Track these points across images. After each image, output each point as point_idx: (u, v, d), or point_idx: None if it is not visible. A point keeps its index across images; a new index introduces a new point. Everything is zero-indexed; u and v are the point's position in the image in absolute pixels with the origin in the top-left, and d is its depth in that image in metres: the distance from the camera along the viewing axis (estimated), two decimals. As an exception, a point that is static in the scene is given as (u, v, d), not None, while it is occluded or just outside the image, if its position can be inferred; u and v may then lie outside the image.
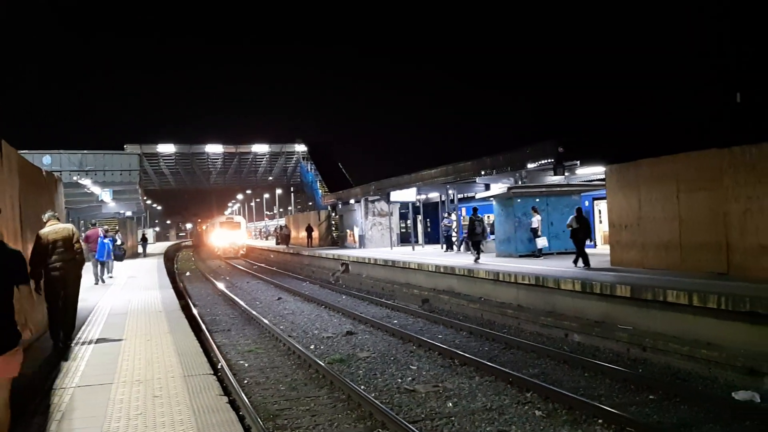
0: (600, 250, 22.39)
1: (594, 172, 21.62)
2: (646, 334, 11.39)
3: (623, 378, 9.79)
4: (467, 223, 29.01)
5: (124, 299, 16.10)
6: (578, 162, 19.96)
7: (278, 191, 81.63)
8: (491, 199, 23.51)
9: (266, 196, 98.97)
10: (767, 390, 8.84)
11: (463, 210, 32.84)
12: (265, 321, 16.47)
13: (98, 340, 10.32)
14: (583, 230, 16.63)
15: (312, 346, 13.47)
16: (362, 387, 9.78)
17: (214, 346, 13.38)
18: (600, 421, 7.89)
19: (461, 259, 22.44)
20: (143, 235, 48.38)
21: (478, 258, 20.26)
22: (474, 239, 20.65)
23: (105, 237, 21.17)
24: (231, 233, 55.53)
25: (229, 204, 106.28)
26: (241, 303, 20.80)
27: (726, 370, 9.59)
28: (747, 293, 10.21)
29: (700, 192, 13.77)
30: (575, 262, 16.66)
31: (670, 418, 8.04)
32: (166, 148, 69.47)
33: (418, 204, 33.06)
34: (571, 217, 17.07)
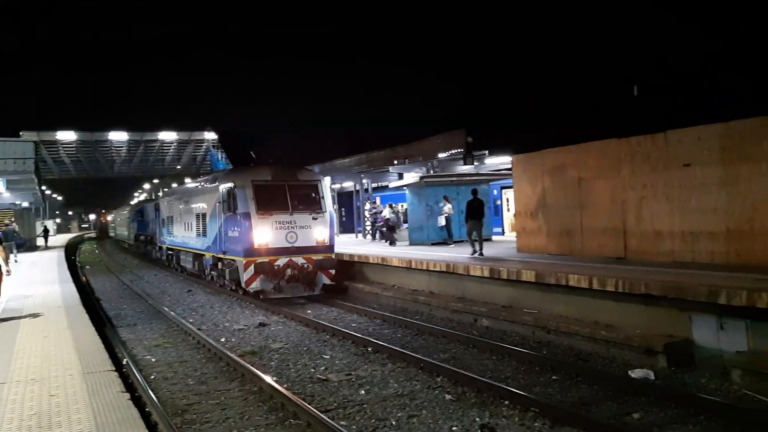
0: (508, 237, 23.10)
1: (502, 161, 22.24)
2: (550, 317, 11.85)
3: (529, 360, 10.15)
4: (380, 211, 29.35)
5: (20, 295, 15.21)
6: (487, 152, 20.49)
7: (187, 180, 79.27)
8: (404, 188, 23.75)
9: (174, 185, 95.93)
10: (661, 368, 9.40)
11: (378, 199, 33.03)
12: (174, 314, 16.00)
13: (-11, 339, 9.71)
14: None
15: (223, 339, 13.19)
16: (274, 378, 9.68)
17: (119, 342, 12.89)
18: (506, 402, 8.14)
19: (376, 247, 22.58)
20: (45, 227, 45.95)
21: None
22: None
23: None
24: (299, 221, 17.57)
25: (136, 194, 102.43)
26: (148, 296, 20.11)
27: (624, 350, 10.10)
28: (642, 276, 10.79)
29: (601, 180, 14.42)
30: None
31: (572, 397, 8.40)
32: (66, 135, 66.03)
33: (332, 193, 32.96)
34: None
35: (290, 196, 17.62)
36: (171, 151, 72.39)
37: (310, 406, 8.01)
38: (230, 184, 18.08)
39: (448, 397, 8.58)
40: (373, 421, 7.80)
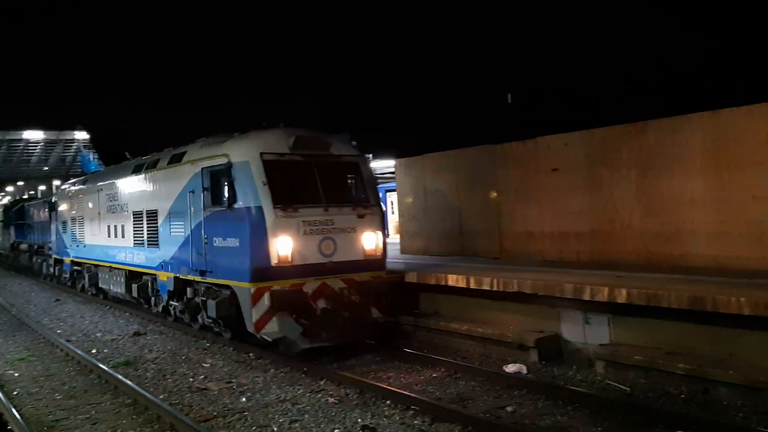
0: (392, 239, 23.48)
1: (387, 165, 22.63)
2: (432, 317, 12.17)
3: (410, 359, 10.38)
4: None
5: None
6: (371, 155, 20.76)
7: (56, 183, 74.43)
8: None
9: (42, 188, 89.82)
10: (533, 362, 9.91)
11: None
12: (40, 325, 14.99)
13: None
14: None
15: (94, 350, 12.51)
16: (150, 389, 9.31)
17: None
18: (388, 402, 8.29)
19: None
20: None
21: None
22: None
23: None
24: (338, 221, 10.86)
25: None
26: (12, 306, 18.72)
27: (499, 346, 10.55)
28: (515, 275, 11.30)
29: (477, 184, 14.98)
30: None
31: (450, 394, 8.68)
32: None
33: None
34: None
35: (321, 181, 10.93)
36: (37, 151, 67.83)
37: (187, 417, 7.79)
38: (220, 161, 11.03)
39: (330, 400, 8.60)
40: (255, 428, 7.69)
